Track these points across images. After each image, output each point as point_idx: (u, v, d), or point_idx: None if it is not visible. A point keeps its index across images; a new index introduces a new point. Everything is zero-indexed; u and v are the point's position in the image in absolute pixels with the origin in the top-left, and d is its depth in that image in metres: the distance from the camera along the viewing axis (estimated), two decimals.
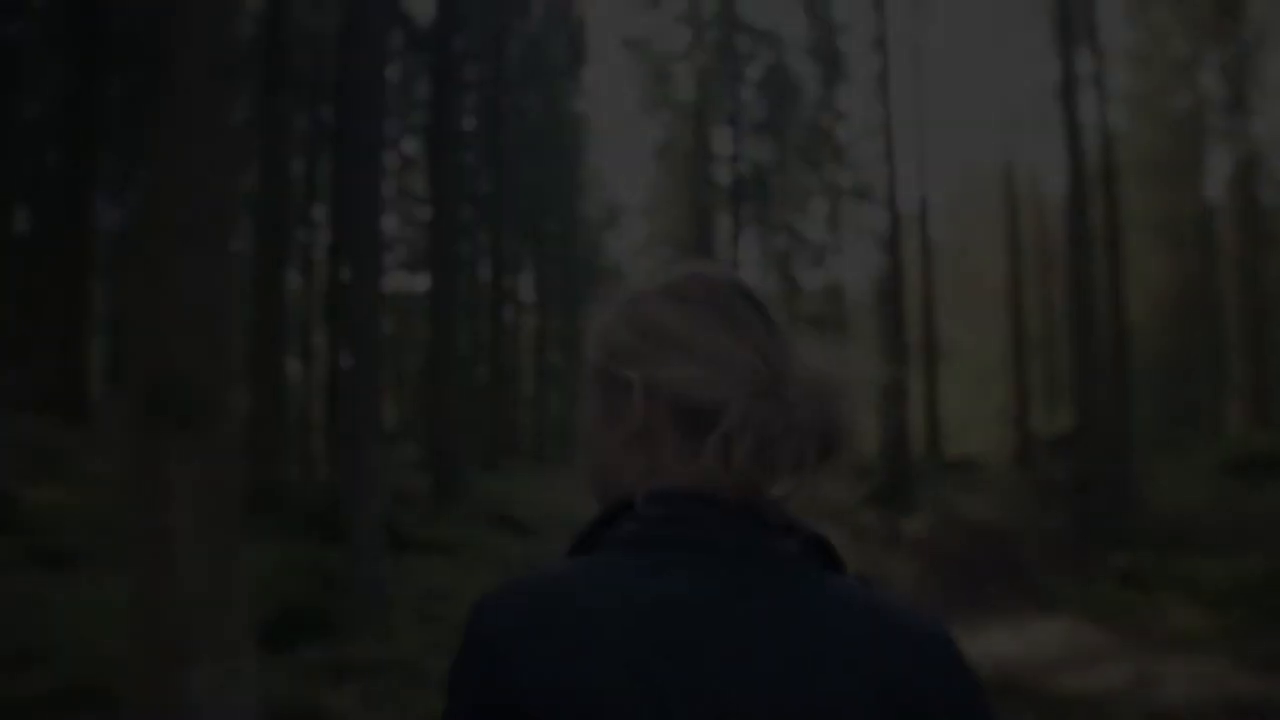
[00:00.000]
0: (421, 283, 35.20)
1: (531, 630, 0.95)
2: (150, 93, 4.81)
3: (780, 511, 1.00)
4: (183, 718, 4.61)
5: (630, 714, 0.91)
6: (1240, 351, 27.60)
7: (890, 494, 18.77)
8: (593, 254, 37.61)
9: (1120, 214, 18.50)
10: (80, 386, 16.41)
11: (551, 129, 32.05)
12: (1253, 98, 30.35)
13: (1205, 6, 30.96)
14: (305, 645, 9.04)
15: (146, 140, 4.85)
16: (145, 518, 4.74)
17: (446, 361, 15.69)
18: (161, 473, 4.68)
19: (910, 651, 0.95)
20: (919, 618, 0.99)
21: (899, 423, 19.39)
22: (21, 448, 14.05)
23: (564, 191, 33.62)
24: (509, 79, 30.32)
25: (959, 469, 22.84)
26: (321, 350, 31.11)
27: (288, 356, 25.44)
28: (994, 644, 10.19)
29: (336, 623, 9.58)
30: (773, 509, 1.00)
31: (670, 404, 1.02)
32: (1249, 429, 25.30)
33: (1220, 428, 27.95)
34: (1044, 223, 31.73)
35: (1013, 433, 24.22)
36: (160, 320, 4.76)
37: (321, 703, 7.43)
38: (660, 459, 1.03)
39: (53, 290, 15.58)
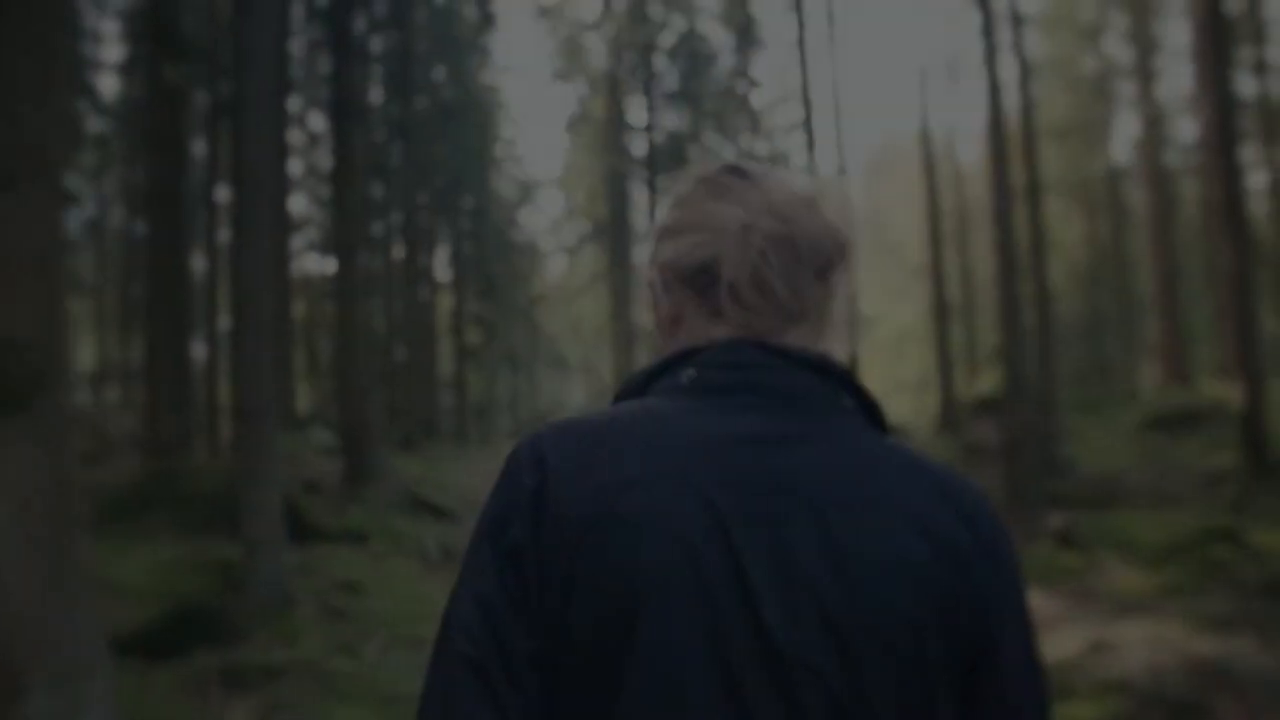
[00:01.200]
0: (333, 264, 34.10)
1: (594, 458, 0.97)
2: None
3: (835, 363, 1.05)
4: None
5: (694, 549, 0.93)
6: (1153, 311, 27.76)
7: None
8: (508, 230, 36.59)
9: (1039, 177, 18.21)
10: None
11: (463, 102, 30.95)
12: (1155, 63, 30.56)
13: None
14: (198, 650, 8.17)
15: None
16: None
17: (353, 342, 14.75)
18: None
19: (962, 511, 1.00)
20: (968, 482, 1.05)
21: None
22: None
23: (478, 166, 32.56)
24: (417, 51, 29.15)
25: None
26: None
27: (194, 340, 24.21)
28: None
29: (234, 624, 8.71)
30: (831, 362, 1.04)
31: (682, 278, 1.09)
32: (1164, 386, 25.45)
33: (1133, 386, 28.13)
34: (962, 190, 31.61)
35: (939, 398, 23.97)
36: None
37: (210, 715, 6.59)
38: (694, 329, 1.09)
39: None
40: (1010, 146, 28.58)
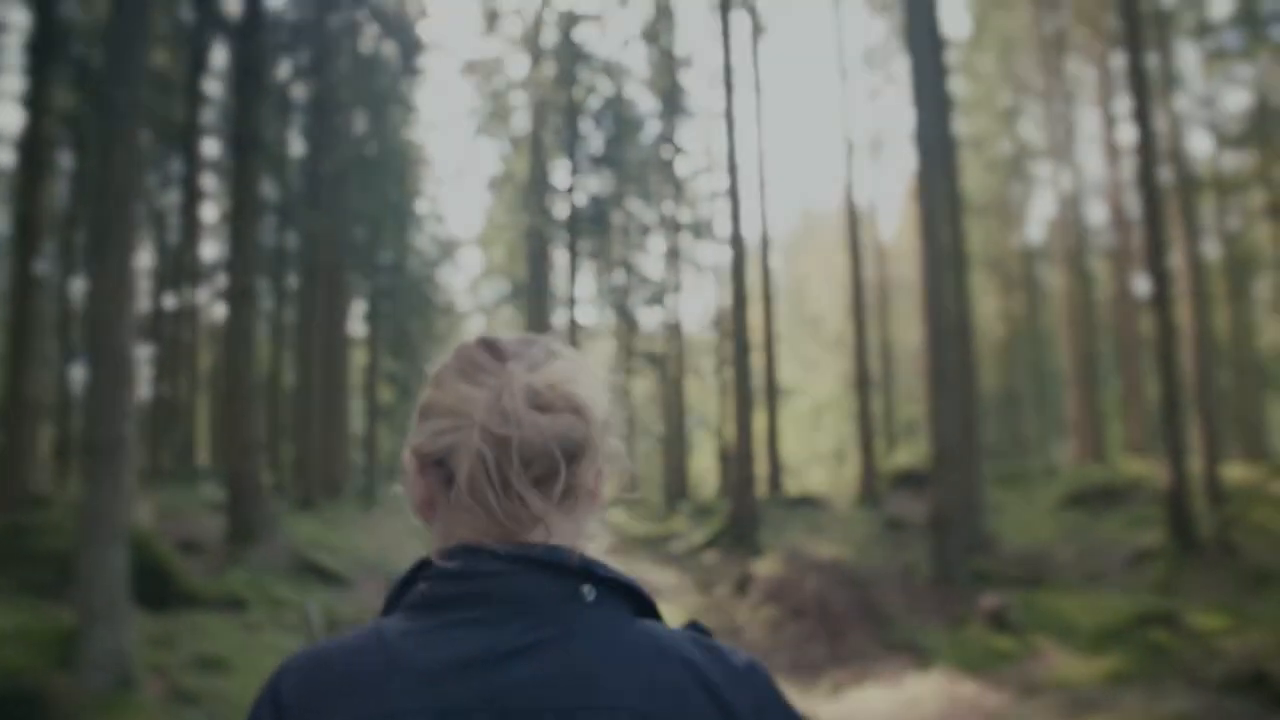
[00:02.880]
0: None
1: (320, 699, 0.95)
2: None
3: (573, 555, 1.00)
4: None
5: None
6: (1069, 388, 27.48)
7: (736, 535, 17.28)
8: (426, 287, 35.32)
9: (964, 249, 17.70)
10: None
11: (384, 155, 29.84)
12: (1069, 147, 30.83)
13: (1027, 63, 31.45)
14: None
15: None
16: None
17: (242, 391, 13.41)
18: None
19: (715, 696, 0.95)
20: (729, 660, 0.99)
21: (744, 461, 17.95)
22: None
23: (397, 221, 31.34)
24: (339, 100, 28.07)
25: (804, 507, 21.60)
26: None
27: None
28: (870, 706, 8.67)
29: (59, 711, 7.31)
30: (564, 554, 0.99)
31: (431, 466, 1.03)
32: (1081, 462, 25.05)
33: (1050, 461, 27.74)
34: (882, 264, 31.33)
35: (859, 470, 23.16)
36: None
37: None
38: (447, 522, 1.04)
39: None
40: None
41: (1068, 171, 30.00)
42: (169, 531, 13.66)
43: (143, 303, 35.34)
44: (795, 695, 9.60)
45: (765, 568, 12.84)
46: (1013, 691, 8.44)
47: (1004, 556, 14.99)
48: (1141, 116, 14.60)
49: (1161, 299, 14.01)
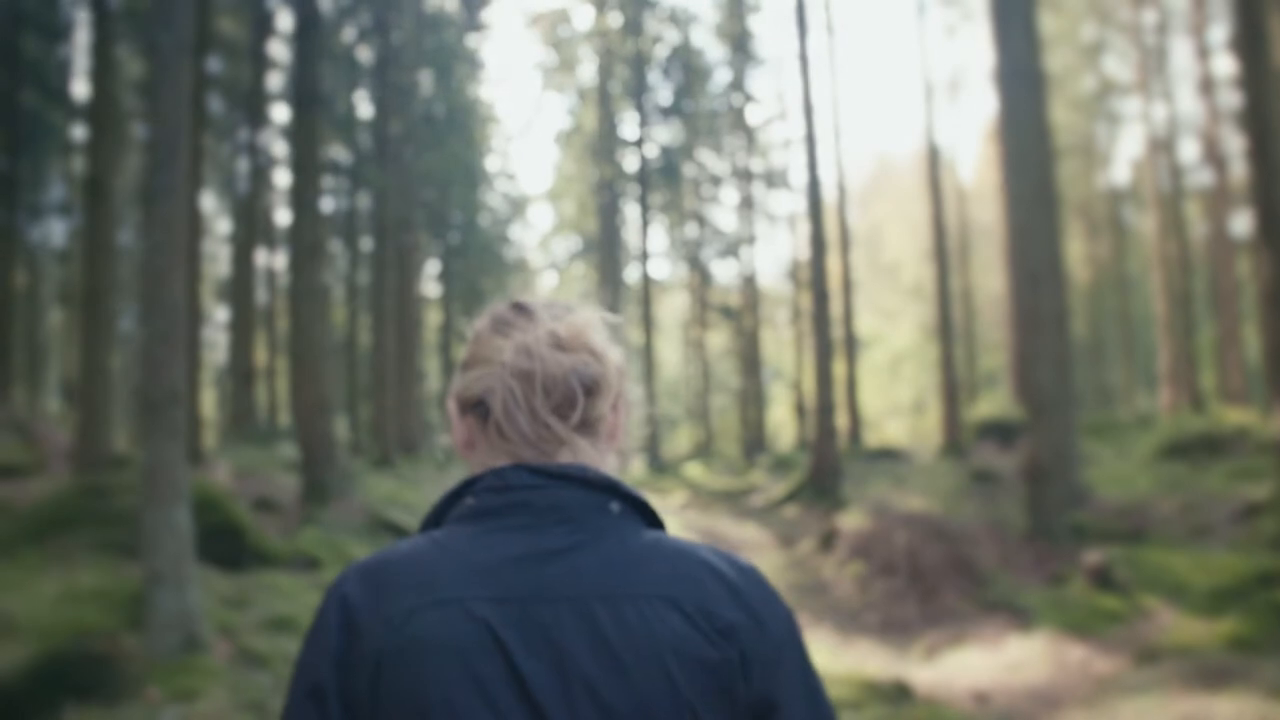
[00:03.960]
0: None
1: (386, 593, 1.04)
2: None
3: (598, 474, 1.12)
4: None
5: (473, 660, 1.00)
6: (1162, 334, 26.13)
7: (817, 488, 16.63)
8: (498, 245, 34.92)
9: (1056, 187, 16.62)
10: None
11: (452, 114, 29.36)
12: (1159, 82, 29.13)
13: None
14: (67, 709, 6.47)
15: None
16: None
17: (312, 350, 13.09)
18: None
19: (729, 587, 1.08)
20: (736, 561, 1.12)
21: (825, 413, 17.24)
22: None
23: (467, 180, 30.91)
24: (405, 60, 27.62)
25: (885, 459, 20.82)
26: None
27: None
28: (970, 670, 8.03)
29: (122, 674, 7.02)
30: (591, 472, 1.12)
31: (467, 408, 1.18)
32: (1176, 411, 23.83)
33: (1140, 410, 26.50)
34: (963, 208, 30.09)
35: (942, 421, 22.27)
36: None
37: None
38: (486, 456, 1.16)
39: None
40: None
41: (1160, 106, 28.33)
42: (245, 491, 13.46)
43: (222, 267, 35.60)
44: (888, 658, 9.03)
45: (851, 521, 12.19)
46: (1126, 656, 7.73)
47: (1102, 510, 14.13)
48: (1249, 40, 13.41)
49: (1272, 235, 12.91)
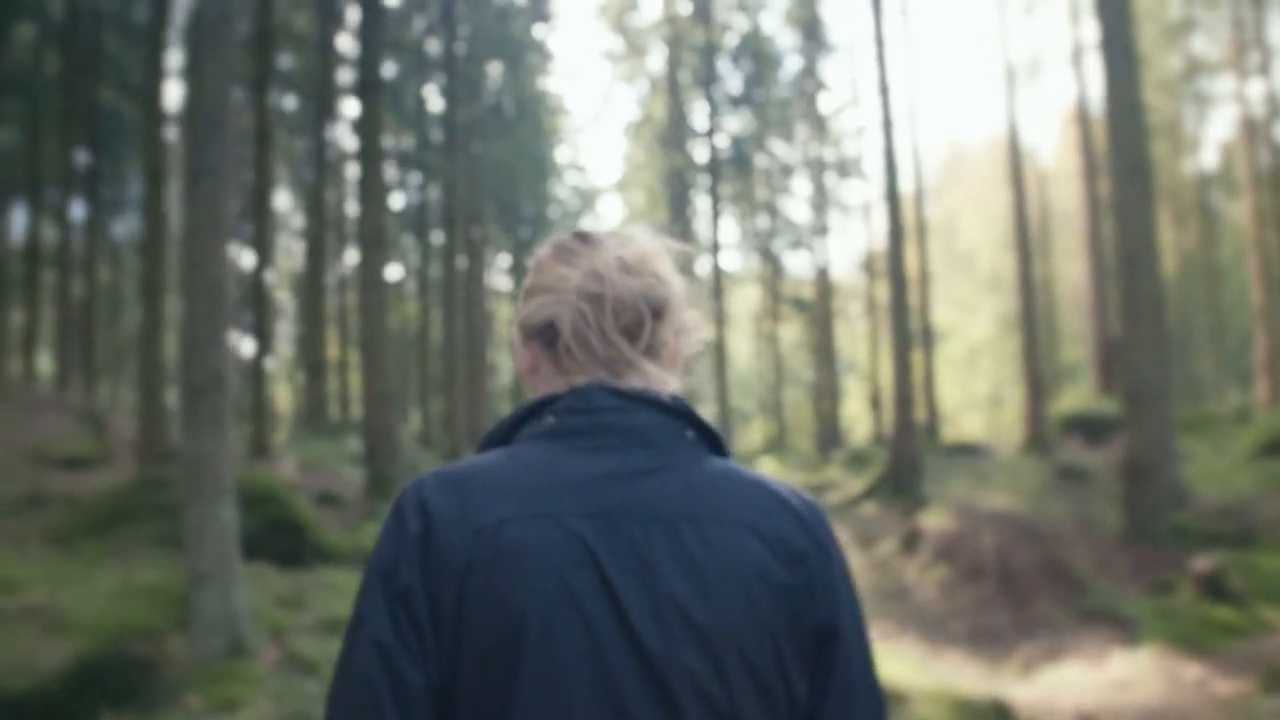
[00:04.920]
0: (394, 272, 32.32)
1: (473, 504, 1.04)
2: None
3: (675, 399, 1.15)
4: None
5: (566, 571, 1.00)
6: (1258, 325, 24.61)
7: (896, 485, 15.78)
8: None
9: (1150, 167, 15.45)
10: None
11: (521, 106, 28.90)
12: (1254, 60, 27.49)
13: None
14: (109, 712, 6.02)
15: None
16: None
17: (378, 343, 12.66)
18: None
19: (797, 517, 1.11)
20: (802, 495, 1.16)
21: (904, 407, 16.36)
22: None
23: (537, 173, 30.43)
24: (475, 52, 27.24)
25: (964, 455, 19.82)
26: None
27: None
28: (1073, 688, 7.21)
29: (163, 679, 6.56)
30: (668, 397, 1.14)
31: (533, 334, 1.19)
32: (1275, 406, 22.39)
33: (1235, 404, 25.01)
34: (1042, 196, 28.80)
35: (1025, 415, 21.17)
36: None
37: None
38: (551, 382, 1.17)
39: None
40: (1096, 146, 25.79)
41: (1255, 84, 26.71)
42: (309, 484, 13.08)
43: (297, 262, 35.63)
44: (980, 672, 8.25)
45: (935, 521, 11.37)
46: (1251, 676, 6.85)
47: (1202, 511, 13.07)
48: None
49: None
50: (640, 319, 1.14)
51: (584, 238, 1.20)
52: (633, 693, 0.99)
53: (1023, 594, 9.44)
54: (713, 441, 1.16)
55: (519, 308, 1.22)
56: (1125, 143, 11.66)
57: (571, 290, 1.14)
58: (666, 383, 1.17)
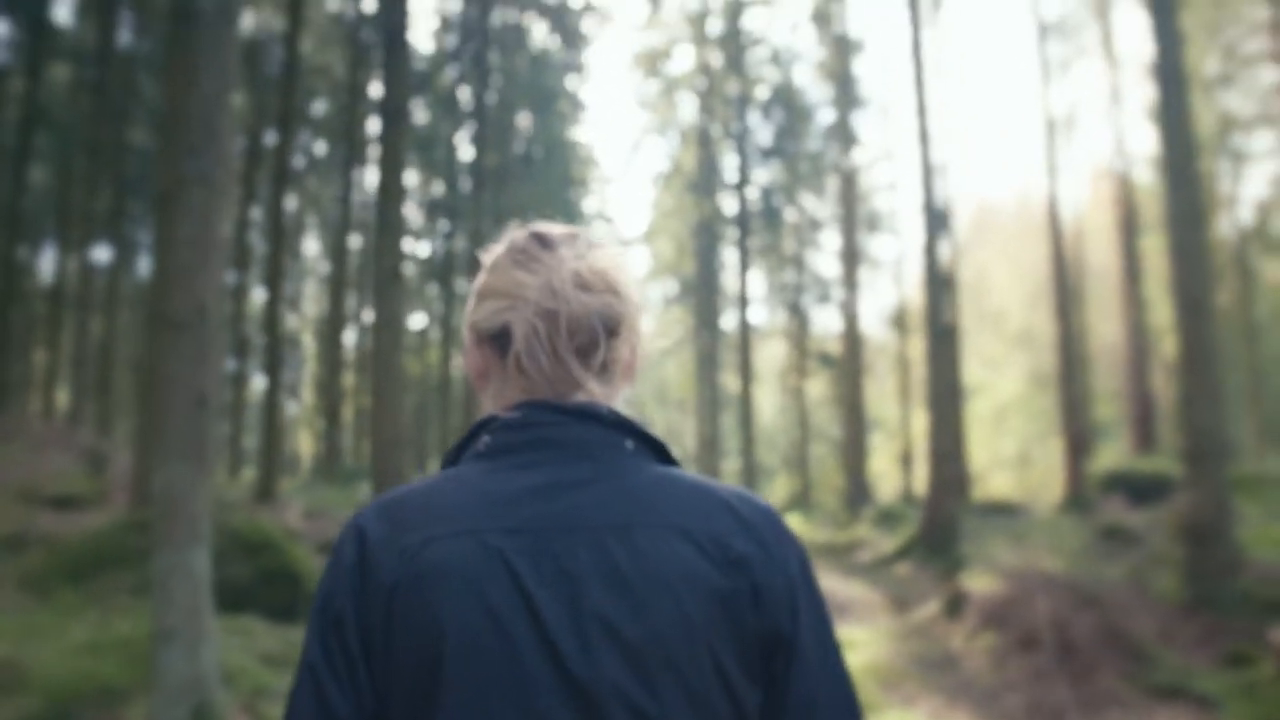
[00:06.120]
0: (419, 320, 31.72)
1: (402, 525, 1.02)
2: None
3: (614, 413, 1.11)
4: None
5: (486, 588, 0.97)
6: None
7: (931, 545, 14.71)
8: None
9: (1206, 223, 14.50)
10: None
11: (550, 153, 28.41)
12: None
13: (1239, 24, 27.47)
14: None
15: None
16: None
17: (387, 384, 11.87)
18: None
19: (742, 521, 1.06)
20: (752, 498, 1.11)
21: (940, 463, 15.32)
22: None
23: (564, 219, 29.77)
24: (506, 99, 26.84)
25: (999, 514, 18.71)
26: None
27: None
28: None
29: None
30: (607, 411, 1.10)
31: (485, 339, 1.15)
32: None
33: (1272, 466, 23.78)
34: (1075, 251, 27.87)
35: (1064, 473, 20.05)
36: None
37: None
38: (500, 388, 1.14)
39: None
40: (1123, 207, 24.84)
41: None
42: (312, 532, 12.22)
43: (324, 307, 35.12)
44: None
45: (979, 584, 10.33)
46: None
47: (1265, 576, 11.96)
48: None
49: None
50: (595, 339, 1.11)
51: (541, 240, 1.16)
52: (558, 715, 0.95)
53: (1083, 666, 8.39)
54: (657, 450, 1.13)
55: (470, 306, 1.19)
56: (1181, 185, 10.78)
57: (528, 302, 1.11)
58: (614, 398, 1.15)
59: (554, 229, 1.17)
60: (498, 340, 1.12)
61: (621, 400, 1.16)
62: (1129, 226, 23.32)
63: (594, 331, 1.10)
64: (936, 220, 15.74)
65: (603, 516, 1.01)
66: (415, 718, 0.96)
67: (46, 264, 24.85)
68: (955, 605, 9.94)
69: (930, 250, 15.63)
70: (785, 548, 1.07)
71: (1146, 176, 28.62)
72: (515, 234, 1.18)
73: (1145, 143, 32.64)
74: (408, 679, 0.96)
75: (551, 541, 1.00)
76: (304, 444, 35.35)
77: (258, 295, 26.26)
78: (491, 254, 1.18)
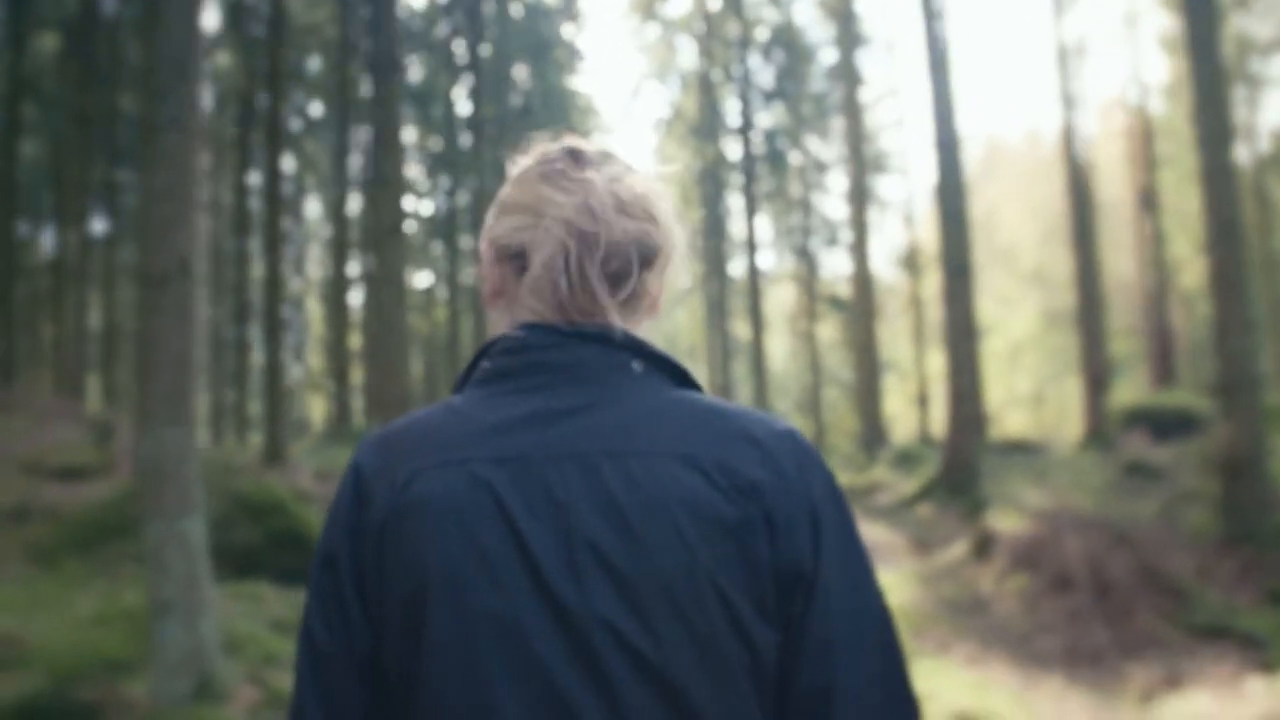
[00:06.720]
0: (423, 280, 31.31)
1: (394, 458, 0.98)
2: None
3: (628, 335, 1.03)
4: None
5: (472, 522, 0.92)
6: None
7: (952, 485, 14.37)
8: None
9: (1231, 130, 13.82)
10: None
11: (549, 104, 27.82)
12: None
13: None
14: None
15: None
16: None
17: (386, 345, 11.54)
18: None
19: (757, 446, 0.97)
20: (770, 423, 1.01)
21: (960, 402, 14.93)
22: None
23: None
24: (503, 50, 26.22)
25: (1019, 453, 18.36)
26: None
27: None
28: None
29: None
30: (618, 333, 1.02)
31: (504, 256, 1.07)
32: None
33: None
34: (1094, 185, 27.24)
35: (1085, 410, 19.65)
36: None
37: None
38: (512, 307, 1.07)
39: None
40: (1137, 139, 24.18)
41: None
42: (322, 494, 11.92)
43: (327, 269, 34.73)
44: (1090, 704, 6.90)
45: (1007, 524, 9.99)
46: None
47: None
48: None
49: None
50: (628, 268, 1.03)
51: (575, 156, 1.06)
52: (549, 650, 0.89)
53: (1120, 606, 8.06)
54: (674, 373, 1.03)
55: (490, 219, 1.11)
56: (1210, 106, 10.27)
57: (558, 221, 1.02)
58: (635, 329, 1.05)
59: (588, 146, 1.09)
60: (516, 259, 1.06)
61: (642, 332, 1.07)
62: (1144, 159, 22.70)
63: (629, 260, 1.03)
64: (949, 154, 15.18)
65: (599, 443, 0.95)
66: (405, 655, 0.93)
67: (48, 239, 24.60)
68: (983, 546, 9.62)
69: (944, 185, 15.12)
70: (808, 474, 0.98)
71: (1160, 108, 27.93)
72: (546, 147, 1.10)
73: (1159, 72, 31.81)
74: (397, 616, 0.93)
75: (543, 470, 0.94)
76: (314, 407, 35.14)
77: (260, 262, 25.90)
78: (519, 165, 1.11)
